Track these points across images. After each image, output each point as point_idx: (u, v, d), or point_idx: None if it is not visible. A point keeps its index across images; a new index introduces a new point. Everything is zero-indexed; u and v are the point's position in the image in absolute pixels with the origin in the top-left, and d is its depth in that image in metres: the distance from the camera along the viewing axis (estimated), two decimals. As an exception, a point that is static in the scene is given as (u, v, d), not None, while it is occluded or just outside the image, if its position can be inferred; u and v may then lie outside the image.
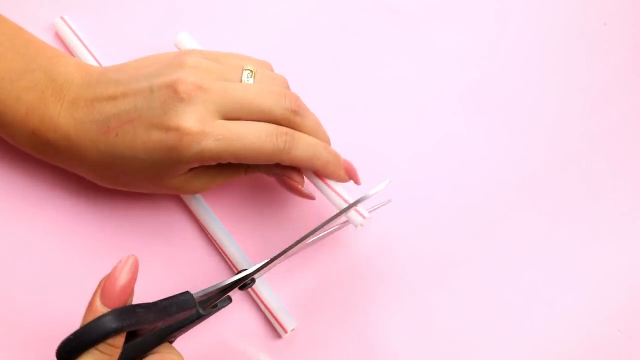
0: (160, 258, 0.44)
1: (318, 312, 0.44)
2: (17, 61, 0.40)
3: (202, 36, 0.47)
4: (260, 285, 0.43)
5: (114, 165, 0.39)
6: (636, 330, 0.45)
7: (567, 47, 0.50)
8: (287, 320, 0.43)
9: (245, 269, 0.39)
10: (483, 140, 0.48)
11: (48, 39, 0.47)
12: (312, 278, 0.45)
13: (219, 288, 0.38)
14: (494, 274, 0.46)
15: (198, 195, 0.44)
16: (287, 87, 0.41)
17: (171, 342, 0.37)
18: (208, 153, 0.37)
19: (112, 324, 0.31)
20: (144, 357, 0.35)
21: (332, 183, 0.41)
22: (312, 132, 0.40)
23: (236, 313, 0.44)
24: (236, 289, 0.39)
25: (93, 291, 0.32)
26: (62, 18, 0.47)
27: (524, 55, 0.50)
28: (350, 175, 0.42)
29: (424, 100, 0.49)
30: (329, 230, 0.42)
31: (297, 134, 0.39)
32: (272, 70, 0.42)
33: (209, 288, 0.38)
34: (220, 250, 0.44)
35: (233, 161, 0.38)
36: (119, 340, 0.31)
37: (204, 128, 0.36)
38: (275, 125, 0.39)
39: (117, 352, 0.31)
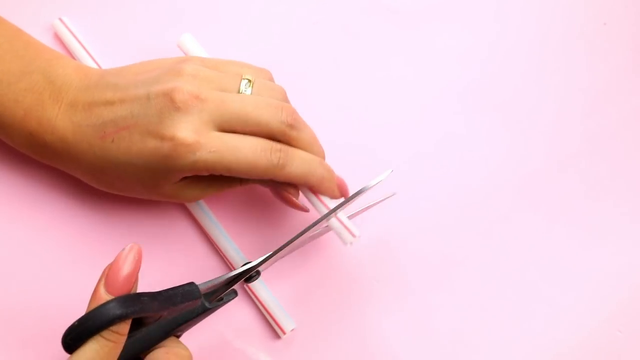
0: (159, 259, 0.44)
1: (318, 312, 0.44)
2: (15, 63, 0.40)
3: (203, 36, 0.47)
4: (259, 285, 0.43)
5: (109, 170, 0.39)
6: (636, 330, 0.45)
7: (567, 47, 0.50)
8: (286, 321, 0.43)
9: (250, 262, 0.39)
10: (483, 140, 0.48)
11: (47, 40, 0.47)
12: (311, 278, 0.45)
13: (224, 280, 0.38)
14: (494, 274, 0.46)
15: (198, 197, 0.45)
16: (286, 98, 0.41)
17: (178, 337, 0.37)
18: (202, 164, 0.37)
19: (116, 310, 0.31)
20: (151, 350, 0.35)
21: (324, 198, 0.41)
22: (308, 146, 0.40)
23: (236, 313, 0.44)
24: (242, 283, 0.39)
25: (94, 287, 0.32)
26: (60, 19, 0.47)
27: (524, 55, 0.50)
28: (341, 191, 0.41)
29: (424, 100, 0.49)
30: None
31: (291, 150, 0.39)
32: (271, 78, 0.42)
33: (214, 279, 0.38)
34: (220, 252, 0.44)
35: (226, 174, 0.38)
36: (124, 328, 0.31)
37: (199, 139, 0.36)
38: (270, 141, 0.39)
39: (122, 339, 0.31)
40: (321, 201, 0.40)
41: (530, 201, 0.47)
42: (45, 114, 0.39)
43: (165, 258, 0.44)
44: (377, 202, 0.43)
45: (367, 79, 0.49)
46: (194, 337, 0.40)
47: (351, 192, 0.41)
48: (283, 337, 0.43)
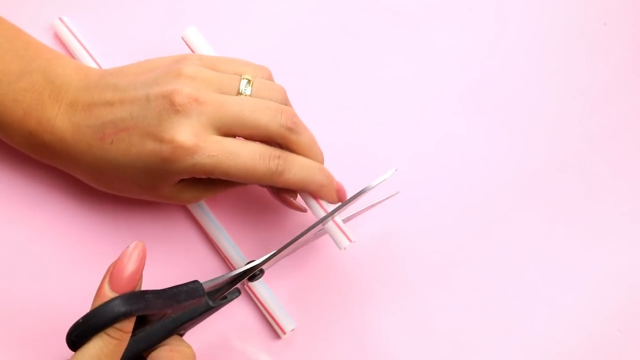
0: (159, 260, 0.44)
1: (318, 312, 0.44)
2: (15, 62, 0.40)
3: (203, 36, 0.47)
4: (259, 285, 0.43)
5: (108, 171, 0.39)
6: (636, 330, 0.45)
7: (567, 47, 0.50)
8: (286, 321, 0.43)
9: (253, 260, 0.39)
10: (483, 140, 0.48)
11: (47, 40, 0.47)
12: (312, 278, 0.45)
13: (228, 278, 0.38)
14: (494, 274, 0.46)
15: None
16: (285, 97, 0.41)
17: (181, 335, 0.37)
18: (200, 168, 0.37)
19: (120, 307, 0.31)
20: (155, 349, 0.35)
21: (324, 203, 0.41)
22: (307, 149, 0.40)
23: (236, 313, 0.44)
24: (242, 283, 0.39)
25: (94, 290, 0.32)
26: (60, 19, 0.47)
27: (524, 55, 0.50)
28: (340, 197, 0.41)
29: (424, 100, 0.49)
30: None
31: (290, 157, 0.39)
32: (270, 77, 0.41)
33: (217, 278, 0.38)
34: (220, 252, 0.44)
35: (224, 178, 0.38)
36: (128, 325, 0.31)
37: (198, 142, 0.36)
38: (270, 147, 0.39)
39: (127, 337, 0.31)
40: (320, 204, 0.40)
41: (530, 201, 0.47)
42: (44, 114, 0.39)
43: (165, 259, 0.44)
44: (381, 201, 0.43)
45: (367, 79, 0.49)
46: (195, 337, 0.40)
47: (350, 194, 0.41)
48: (283, 337, 0.43)
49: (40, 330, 0.42)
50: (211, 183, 0.41)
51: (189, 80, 0.38)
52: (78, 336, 0.30)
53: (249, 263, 0.39)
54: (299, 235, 0.39)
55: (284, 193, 0.41)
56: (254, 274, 0.39)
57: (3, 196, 0.44)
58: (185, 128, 0.37)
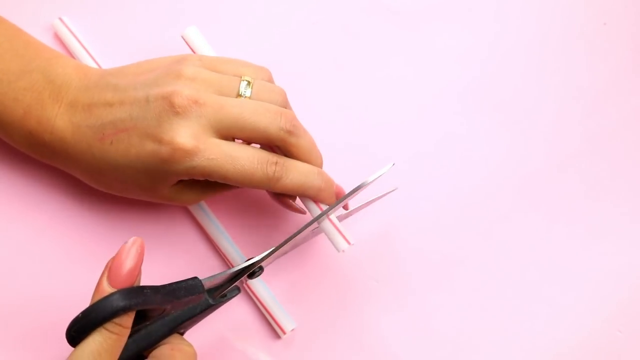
0: (159, 260, 0.44)
1: (318, 312, 0.44)
2: (15, 62, 0.40)
3: (203, 36, 0.47)
4: (259, 285, 0.43)
5: (108, 171, 0.39)
6: (636, 330, 0.45)
7: (567, 47, 0.50)
8: (286, 321, 0.43)
9: (253, 257, 0.39)
10: (483, 140, 0.48)
11: (47, 40, 0.47)
12: (311, 278, 0.45)
13: (227, 275, 0.38)
14: (494, 274, 0.46)
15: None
16: (285, 99, 0.41)
17: (182, 334, 0.37)
18: (199, 170, 0.37)
19: (119, 302, 0.31)
20: (155, 347, 0.35)
21: (323, 205, 0.41)
22: (307, 153, 0.40)
23: (236, 313, 0.44)
24: (242, 282, 0.39)
25: (93, 289, 0.32)
26: (60, 19, 0.47)
27: (524, 55, 0.50)
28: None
29: (424, 100, 0.49)
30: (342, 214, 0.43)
31: (288, 162, 0.39)
32: (270, 78, 0.41)
33: (217, 275, 0.38)
34: (220, 252, 0.44)
35: (222, 182, 0.38)
36: (127, 320, 0.31)
37: (197, 144, 0.36)
38: (269, 152, 0.39)
39: (126, 332, 0.32)
40: (318, 206, 0.40)
41: (530, 201, 0.47)
42: (44, 113, 0.39)
43: (165, 259, 0.44)
44: (380, 197, 0.43)
45: (367, 79, 0.49)
46: (194, 336, 0.40)
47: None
48: (283, 337, 0.43)
49: (40, 329, 0.42)
50: (210, 185, 0.41)
51: (189, 82, 0.38)
52: (77, 331, 0.31)
53: (248, 260, 0.39)
54: (297, 232, 0.39)
55: (282, 196, 0.41)
56: (253, 270, 0.39)
57: (3, 196, 0.44)
58: (184, 130, 0.37)
